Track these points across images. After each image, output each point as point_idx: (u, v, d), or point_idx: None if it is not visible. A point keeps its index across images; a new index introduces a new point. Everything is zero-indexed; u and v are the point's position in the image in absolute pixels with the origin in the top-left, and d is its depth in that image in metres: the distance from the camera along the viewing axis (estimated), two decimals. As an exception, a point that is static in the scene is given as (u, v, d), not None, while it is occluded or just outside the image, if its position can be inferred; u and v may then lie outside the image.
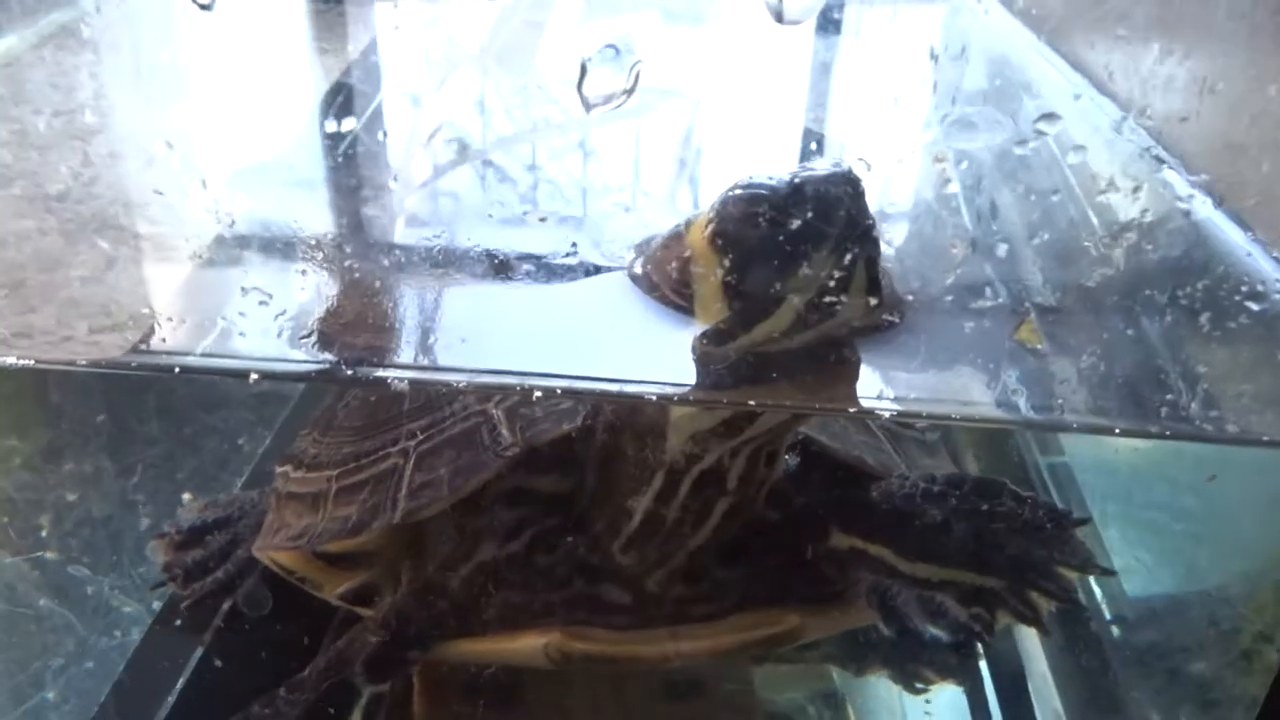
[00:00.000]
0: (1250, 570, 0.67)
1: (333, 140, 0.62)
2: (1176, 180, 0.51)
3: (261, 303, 0.43)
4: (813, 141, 0.68)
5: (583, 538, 0.59)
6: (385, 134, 0.66)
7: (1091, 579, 0.83)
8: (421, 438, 0.59)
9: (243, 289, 0.44)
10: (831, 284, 0.41)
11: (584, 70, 0.40)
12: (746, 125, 0.69)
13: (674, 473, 0.54)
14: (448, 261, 0.50)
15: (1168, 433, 0.41)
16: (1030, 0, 0.70)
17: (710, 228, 0.43)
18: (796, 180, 0.41)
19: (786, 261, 0.41)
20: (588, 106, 0.41)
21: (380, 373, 0.42)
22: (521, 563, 0.59)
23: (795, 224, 0.40)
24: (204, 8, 0.42)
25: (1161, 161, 0.49)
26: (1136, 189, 0.44)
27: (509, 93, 0.69)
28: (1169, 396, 0.41)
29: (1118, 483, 0.89)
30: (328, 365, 0.42)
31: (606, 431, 0.55)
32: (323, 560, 0.64)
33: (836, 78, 0.73)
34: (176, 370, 0.42)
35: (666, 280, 0.46)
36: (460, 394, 0.59)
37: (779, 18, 0.39)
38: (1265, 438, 0.41)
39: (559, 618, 0.60)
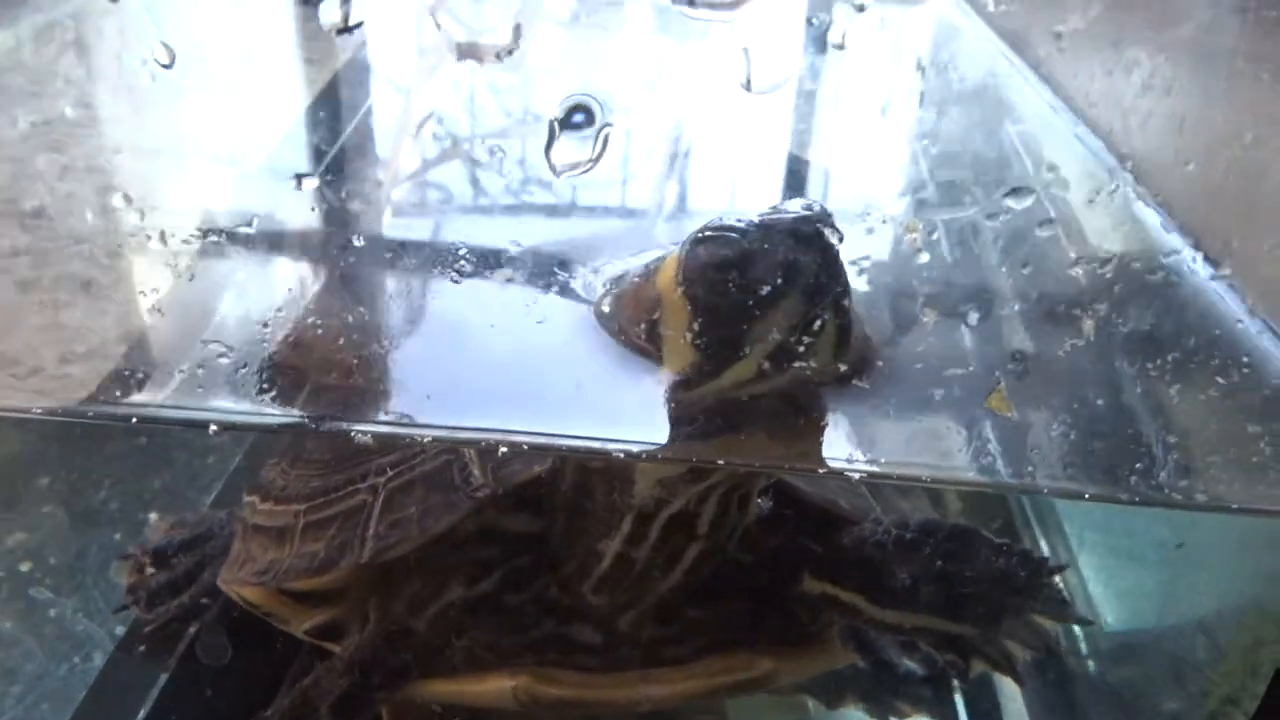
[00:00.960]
0: (1224, 608, 0.67)
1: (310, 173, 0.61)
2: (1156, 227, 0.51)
3: (221, 356, 0.42)
4: (796, 164, 0.67)
5: (553, 578, 0.58)
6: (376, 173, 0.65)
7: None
8: (391, 474, 0.58)
9: (202, 340, 0.43)
10: (800, 331, 0.41)
11: (552, 134, 0.39)
12: (733, 125, 0.68)
13: (643, 516, 0.53)
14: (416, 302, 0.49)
15: (1137, 499, 0.40)
16: (1013, 21, 0.70)
17: (677, 273, 0.43)
18: (765, 224, 0.41)
19: (754, 308, 0.41)
20: (555, 172, 0.40)
21: (343, 426, 0.41)
22: (490, 603, 0.59)
23: (762, 271, 0.40)
24: (165, 67, 0.41)
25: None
26: (1106, 261, 0.44)
27: (499, 86, 0.68)
28: (1139, 465, 0.40)
29: (1095, 511, 0.89)
30: (291, 418, 0.41)
31: (575, 473, 0.55)
32: (289, 596, 0.63)
33: (824, 85, 0.72)
34: (134, 420, 0.41)
35: (633, 325, 0.46)
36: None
37: (747, 87, 0.38)
38: (1235, 505, 0.41)
39: (528, 659, 0.59)
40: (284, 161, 0.66)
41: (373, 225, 0.59)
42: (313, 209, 0.53)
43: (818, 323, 0.40)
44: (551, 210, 0.61)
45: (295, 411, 0.42)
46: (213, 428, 0.41)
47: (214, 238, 0.52)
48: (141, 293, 0.50)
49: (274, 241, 0.53)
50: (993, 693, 0.80)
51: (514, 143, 0.66)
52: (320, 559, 0.58)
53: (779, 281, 0.40)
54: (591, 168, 0.39)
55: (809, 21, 0.51)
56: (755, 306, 0.41)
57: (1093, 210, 0.48)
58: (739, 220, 0.41)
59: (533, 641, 0.59)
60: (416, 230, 0.64)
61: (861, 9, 0.40)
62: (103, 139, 0.64)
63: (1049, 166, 0.61)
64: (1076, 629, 0.82)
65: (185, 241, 0.52)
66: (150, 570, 0.77)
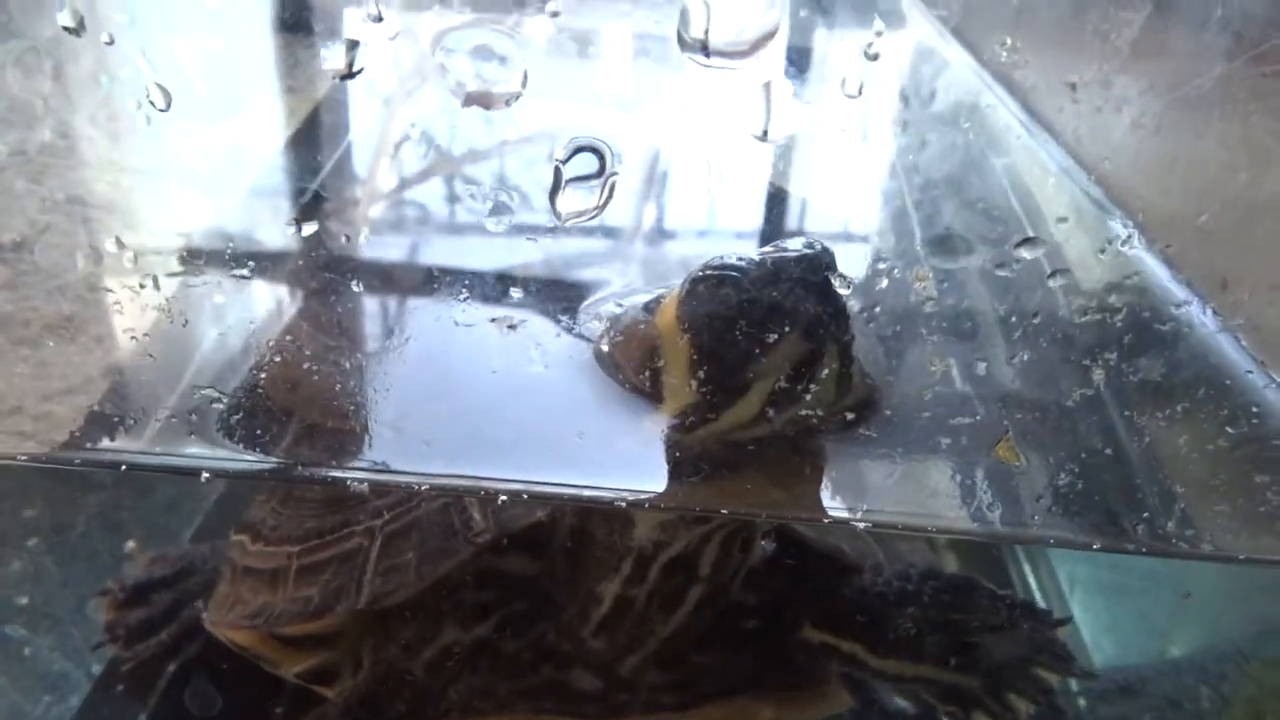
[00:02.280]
0: (1223, 652, 0.67)
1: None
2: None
3: (214, 402, 0.41)
4: (776, 192, 0.67)
5: (551, 622, 0.57)
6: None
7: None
8: (388, 517, 0.57)
9: (194, 387, 0.42)
10: (802, 375, 0.41)
11: (557, 180, 0.39)
12: (713, 149, 0.67)
13: (643, 558, 0.53)
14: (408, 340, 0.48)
15: (1143, 549, 0.40)
16: (1000, 56, 0.70)
17: (677, 312, 0.42)
18: (768, 265, 0.40)
19: (755, 349, 0.40)
20: (559, 219, 0.39)
21: (337, 474, 0.40)
22: (488, 647, 0.58)
23: (764, 315, 0.40)
24: (162, 110, 0.40)
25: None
26: (1115, 312, 0.43)
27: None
28: (1145, 514, 0.40)
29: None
30: (283, 465, 0.40)
31: (575, 516, 0.54)
32: (280, 640, 0.61)
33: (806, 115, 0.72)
34: (123, 468, 0.40)
35: (632, 365, 0.45)
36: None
37: (764, 137, 0.38)
38: (1241, 556, 0.40)
39: (527, 705, 0.58)
40: (267, 189, 0.65)
41: (363, 262, 0.58)
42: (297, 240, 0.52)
43: (819, 345, 0.40)
44: (531, 230, 0.60)
45: (285, 458, 0.41)
46: (204, 475, 0.40)
47: (198, 271, 0.50)
48: (130, 334, 0.49)
49: (260, 275, 0.52)
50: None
51: (493, 162, 0.66)
52: (315, 603, 0.56)
53: (782, 327, 0.40)
54: (597, 215, 0.39)
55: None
56: (757, 350, 0.40)
57: (1097, 262, 0.48)
58: (740, 259, 0.41)
59: (531, 688, 0.58)
60: (397, 252, 0.63)
61: (875, 58, 0.40)
62: (83, 169, 0.63)
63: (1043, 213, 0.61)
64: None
65: (169, 275, 0.51)
66: (129, 607, 0.75)
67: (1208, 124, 0.54)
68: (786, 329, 0.40)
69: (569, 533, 0.54)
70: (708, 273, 0.41)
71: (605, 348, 0.48)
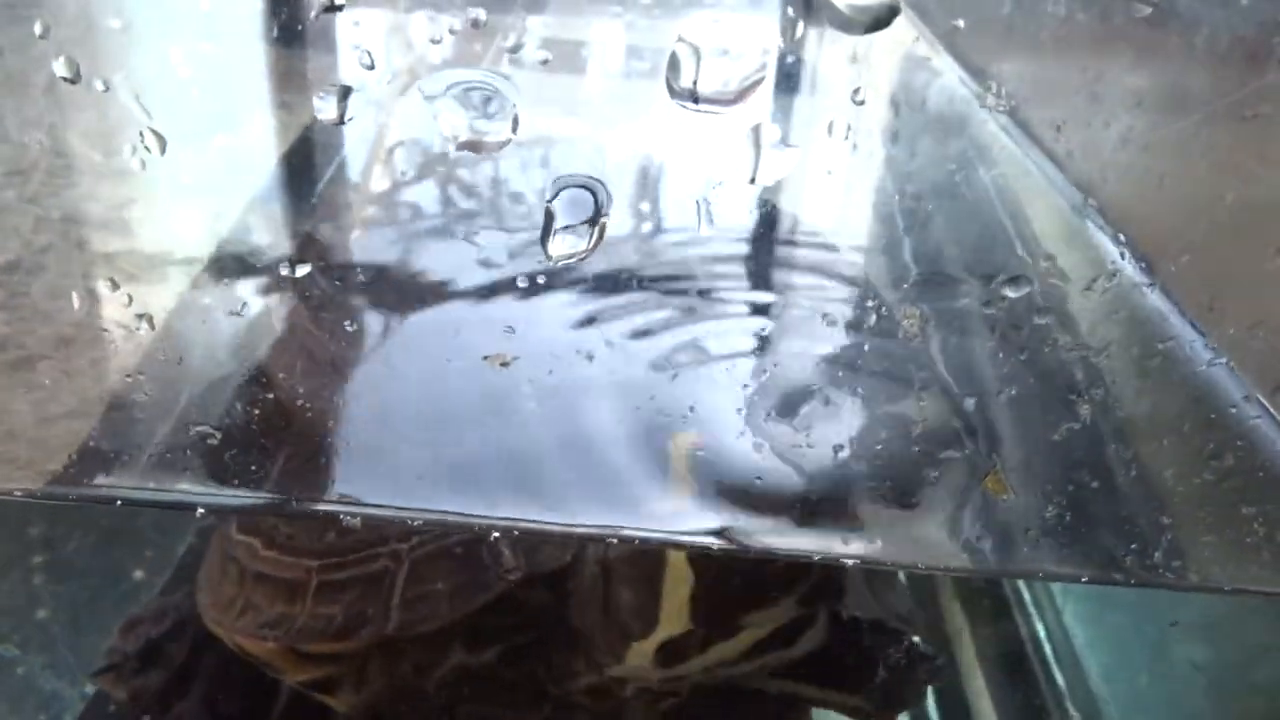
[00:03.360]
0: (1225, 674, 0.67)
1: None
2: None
3: (209, 439, 0.41)
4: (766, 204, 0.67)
5: (558, 658, 0.58)
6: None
7: (1053, 664, 0.84)
8: (415, 542, 0.57)
9: (189, 424, 0.42)
10: (790, 628, 0.47)
11: (549, 221, 0.39)
12: (701, 156, 0.68)
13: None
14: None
15: (1132, 581, 0.40)
16: (989, 67, 0.70)
17: (690, 552, 0.46)
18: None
19: (755, 599, 0.46)
20: (550, 260, 0.40)
21: (332, 509, 0.40)
22: (495, 674, 0.58)
23: (770, 569, 0.45)
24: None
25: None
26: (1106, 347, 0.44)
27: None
28: (1133, 545, 0.40)
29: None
30: (278, 500, 0.41)
31: (598, 565, 0.54)
32: (293, 651, 0.61)
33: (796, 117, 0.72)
34: (118, 503, 0.40)
35: (632, 583, 0.50)
36: None
37: (753, 182, 0.39)
38: (1227, 587, 0.41)
39: None
40: (261, 204, 0.65)
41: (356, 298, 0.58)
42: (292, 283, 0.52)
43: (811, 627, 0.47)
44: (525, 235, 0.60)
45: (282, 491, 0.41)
46: (200, 510, 0.40)
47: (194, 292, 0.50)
48: (124, 373, 0.49)
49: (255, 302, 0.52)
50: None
51: (486, 165, 0.66)
52: (339, 623, 0.57)
53: (782, 588, 0.45)
54: (587, 256, 0.39)
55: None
56: (762, 586, 0.45)
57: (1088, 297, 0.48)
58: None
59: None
60: (391, 275, 0.63)
61: (861, 103, 0.41)
62: (78, 188, 0.63)
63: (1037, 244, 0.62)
64: (1060, 680, 0.82)
65: (164, 295, 0.51)
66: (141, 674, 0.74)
67: (1196, 141, 0.55)
68: (784, 594, 0.45)
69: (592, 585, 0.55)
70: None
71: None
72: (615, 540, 0.43)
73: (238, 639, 0.64)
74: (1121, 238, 0.49)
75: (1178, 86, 0.56)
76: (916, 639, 0.61)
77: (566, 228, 0.37)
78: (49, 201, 0.62)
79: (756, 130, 0.36)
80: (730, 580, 0.45)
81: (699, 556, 0.45)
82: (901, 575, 0.69)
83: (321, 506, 0.40)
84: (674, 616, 0.48)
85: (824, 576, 0.46)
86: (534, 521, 0.38)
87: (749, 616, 0.47)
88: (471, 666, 0.58)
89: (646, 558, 0.48)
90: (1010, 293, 0.41)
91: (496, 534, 0.49)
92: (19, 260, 0.59)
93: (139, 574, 0.85)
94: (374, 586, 0.57)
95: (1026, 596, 0.90)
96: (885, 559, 0.38)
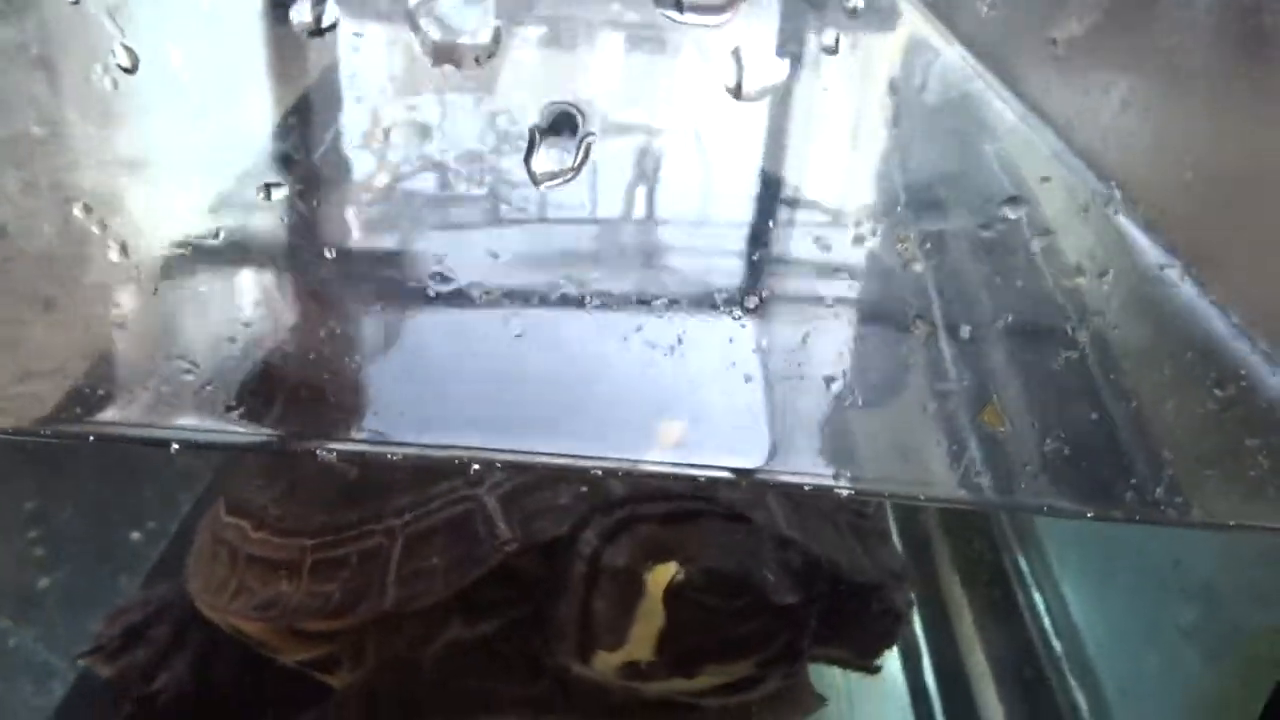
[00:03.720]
0: (1215, 620, 0.66)
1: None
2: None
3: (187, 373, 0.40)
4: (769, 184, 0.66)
5: (554, 633, 0.57)
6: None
7: (1051, 633, 0.83)
8: (409, 518, 0.57)
9: (168, 355, 0.41)
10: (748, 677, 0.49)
11: (533, 141, 0.38)
12: (704, 146, 0.67)
13: None
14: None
15: (1135, 517, 0.39)
16: (987, 40, 0.70)
17: (671, 585, 0.48)
18: (761, 584, 0.46)
19: (726, 649, 0.48)
20: (534, 181, 0.39)
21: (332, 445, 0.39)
22: (492, 648, 0.57)
23: (746, 627, 0.47)
24: (128, 71, 0.39)
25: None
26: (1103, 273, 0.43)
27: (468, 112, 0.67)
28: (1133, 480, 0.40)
29: (1073, 528, 0.88)
30: (268, 438, 0.40)
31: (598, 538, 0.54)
32: (289, 630, 0.61)
33: (795, 103, 0.71)
34: (91, 439, 0.39)
35: (609, 600, 0.51)
36: (446, 475, 0.57)
37: (737, 95, 0.38)
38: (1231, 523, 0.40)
39: (535, 709, 0.58)
40: (255, 173, 0.64)
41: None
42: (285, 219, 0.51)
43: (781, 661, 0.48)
44: (523, 221, 0.59)
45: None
46: (174, 446, 0.39)
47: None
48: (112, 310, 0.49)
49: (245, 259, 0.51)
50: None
51: (488, 155, 0.65)
52: (336, 601, 0.56)
53: (761, 624, 0.47)
54: (573, 178, 0.38)
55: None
56: (733, 639, 0.47)
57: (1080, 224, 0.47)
58: (740, 563, 0.47)
59: (532, 697, 0.58)
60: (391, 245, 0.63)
61: (854, 12, 0.40)
62: (68, 154, 0.62)
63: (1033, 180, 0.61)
64: (1057, 644, 0.82)
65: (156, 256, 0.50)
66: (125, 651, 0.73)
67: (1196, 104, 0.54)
68: (757, 647, 0.48)
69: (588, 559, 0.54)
70: (706, 568, 0.47)
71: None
72: (621, 472, 0.42)
73: (232, 621, 0.63)
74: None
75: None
76: (908, 592, 0.63)
77: (551, 143, 0.37)
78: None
79: (737, 52, 0.36)
80: (697, 628, 0.48)
81: (675, 595, 0.47)
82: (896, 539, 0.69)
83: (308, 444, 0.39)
84: (641, 643, 0.50)
85: (790, 642, 0.48)
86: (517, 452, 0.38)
87: (708, 667, 0.49)
88: (469, 640, 0.57)
89: (629, 580, 0.50)
90: (1009, 213, 0.40)
91: (476, 466, 0.49)
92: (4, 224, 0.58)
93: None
94: (369, 563, 0.56)
95: (1024, 567, 0.89)
96: (878, 489, 0.38)
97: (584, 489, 0.54)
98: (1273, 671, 0.48)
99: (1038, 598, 0.87)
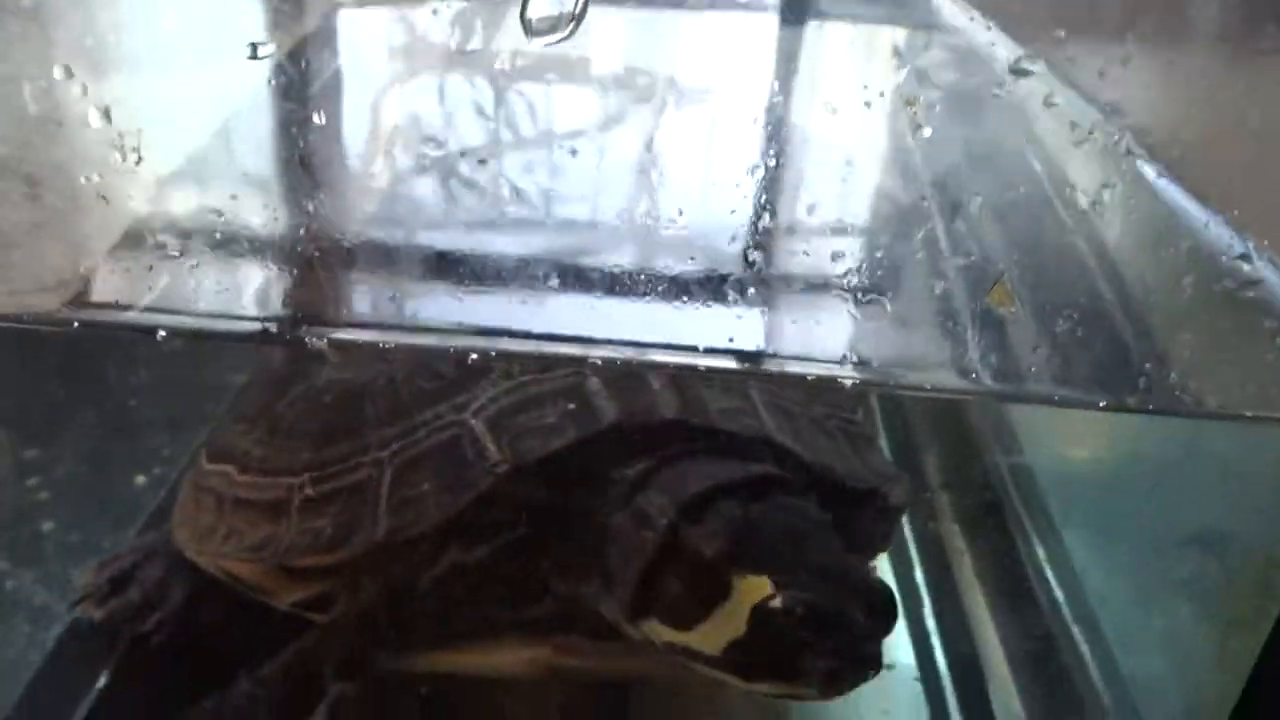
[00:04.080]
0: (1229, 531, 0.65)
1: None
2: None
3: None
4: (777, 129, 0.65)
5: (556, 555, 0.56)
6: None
7: (1054, 582, 0.82)
8: (395, 448, 0.56)
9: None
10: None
11: (528, -6, 0.37)
12: (711, 120, 0.66)
13: None
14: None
15: (1150, 406, 0.38)
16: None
17: (763, 605, 0.45)
18: (850, 625, 0.45)
19: (795, 673, 0.46)
20: (530, 33, 0.37)
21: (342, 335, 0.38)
22: (492, 570, 0.56)
23: (824, 663, 0.45)
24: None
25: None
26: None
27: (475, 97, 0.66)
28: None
29: (1077, 486, 0.87)
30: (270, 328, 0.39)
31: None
32: (281, 570, 0.60)
33: (802, 63, 0.70)
34: (75, 325, 0.38)
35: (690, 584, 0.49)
36: (428, 399, 0.57)
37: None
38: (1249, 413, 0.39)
39: (539, 629, 0.57)
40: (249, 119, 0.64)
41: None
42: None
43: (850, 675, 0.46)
44: (525, 224, 0.59)
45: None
46: (160, 333, 0.38)
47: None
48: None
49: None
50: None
51: (487, 153, 0.64)
52: (328, 536, 0.55)
53: (838, 645, 0.45)
54: (572, 31, 0.37)
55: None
56: (810, 657, 0.45)
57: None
58: (828, 583, 0.46)
59: (540, 616, 0.57)
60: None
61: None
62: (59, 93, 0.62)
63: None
64: (1060, 595, 0.81)
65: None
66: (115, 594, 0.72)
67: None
68: (829, 666, 0.45)
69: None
70: (805, 595, 0.45)
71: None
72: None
73: (225, 565, 0.63)
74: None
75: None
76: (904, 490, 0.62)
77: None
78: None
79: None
80: (775, 649, 0.46)
81: (765, 615, 0.46)
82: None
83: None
84: (709, 639, 0.48)
85: (856, 680, 0.47)
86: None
87: (770, 682, 0.48)
88: (467, 564, 0.56)
89: (713, 576, 0.48)
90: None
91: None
92: None
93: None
94: (358, 495, 0.56)
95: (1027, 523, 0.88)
96: (882, 377, 0.37)
97: (571, 406, 0.54)
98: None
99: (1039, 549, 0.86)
